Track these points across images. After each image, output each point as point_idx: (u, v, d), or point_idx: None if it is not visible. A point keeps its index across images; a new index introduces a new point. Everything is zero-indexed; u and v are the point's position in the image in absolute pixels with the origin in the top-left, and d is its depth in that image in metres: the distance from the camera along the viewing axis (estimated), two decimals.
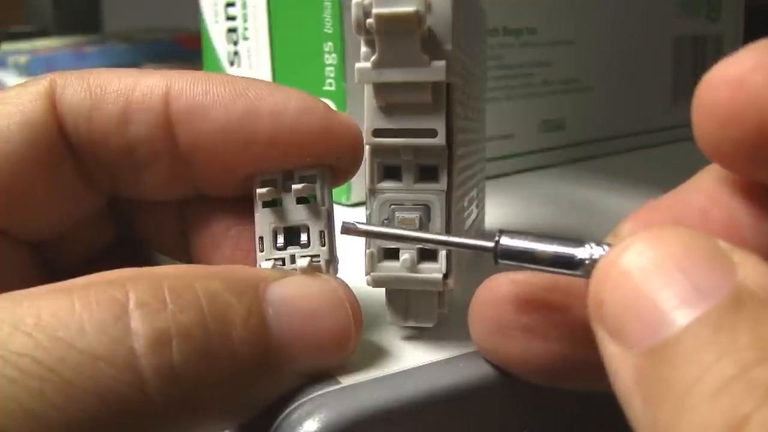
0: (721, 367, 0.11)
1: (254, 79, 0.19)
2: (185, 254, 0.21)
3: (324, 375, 0.17)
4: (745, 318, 0.11)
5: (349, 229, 0.18)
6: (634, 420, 0.12)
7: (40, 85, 0.19)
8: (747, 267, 0.12)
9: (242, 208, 0.20)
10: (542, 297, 0.16)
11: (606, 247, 0.14)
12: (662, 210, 0.16)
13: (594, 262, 0.14)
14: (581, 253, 0.14)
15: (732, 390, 0.10)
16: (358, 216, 0.18)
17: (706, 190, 0.15)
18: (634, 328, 0.12)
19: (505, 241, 0.15)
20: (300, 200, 0.19)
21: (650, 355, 0.12)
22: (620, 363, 0.12)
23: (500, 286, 0.17)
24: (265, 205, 0.19)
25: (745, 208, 0.15)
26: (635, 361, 0.12)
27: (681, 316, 0.11)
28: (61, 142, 0.19)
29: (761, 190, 0.15)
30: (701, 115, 0.14)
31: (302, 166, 0.19)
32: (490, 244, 0.16)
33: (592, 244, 0.14)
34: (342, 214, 0.20)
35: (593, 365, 0.15)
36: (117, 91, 0.19)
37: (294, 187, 0.18)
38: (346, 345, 0.17)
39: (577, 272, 0.14)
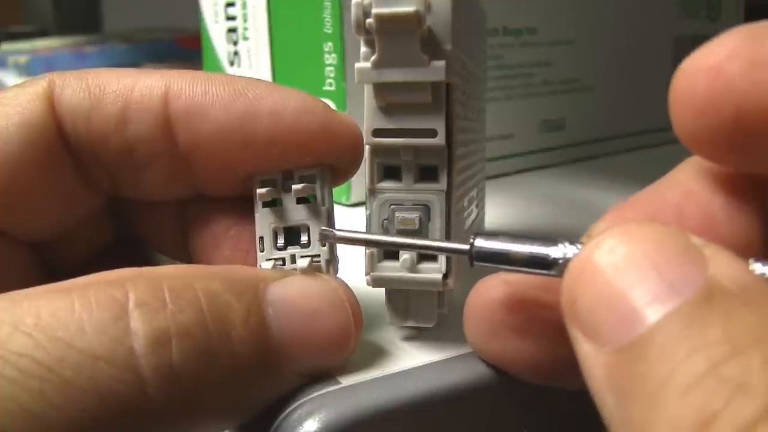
0: (692, 364, 0.11)
1: (253, 78, 0.19)
2: (185, 254, 0.21)
3: (324, 375, 0.17)
4: (716, 313, 0.11)
5: (326, 236, 0.18)
6: (609, 418, 0.12)
7: (39, 85, 0.19)
8: (718, 261, 0.12)
9: (242, 207, 0.20)
10: (535, 296, 0.16)
11: (580, 246, 0.14)
12: (638, 206, 0.16)
13: (567, 261, 0.14)
14: (555, 252, 0.14)
15: (702, 387, 0.10)
16: (358, 216, 0.18)
17: (682, 185, 0.15)
18: (607, 325, 0.12)
19: (479, 243, 0.15)
20: (300, 200, 0.19)
21: (623, 353, 0.12)
22: (594, 361, 0.12)
23: (493, 287, 0.17)
24: (265, 205, 0.19)
25: (720, 202, 0.15)
26: (608, 359, 0.12)
27: (653, 312, 0.11)
28: (60, 143, 0.19)
29: (736, 183, 0.15)
30: (678, 103, 0.14)
31: (302, 166, 0.19)
32: (465, 247, 0.16)
33: (566, 243, 0.14)
34: (342, 214, 0.20)
35: None
36: (116, 91, 0.19)
37: (294, 187, 0.18)
38: (346, 345, 0.17)
39: (552, 272, 0.15)
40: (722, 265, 0.12)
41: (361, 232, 0.18)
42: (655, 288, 0.12)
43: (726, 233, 0.14)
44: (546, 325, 0.16)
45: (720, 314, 0.11)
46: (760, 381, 0.10)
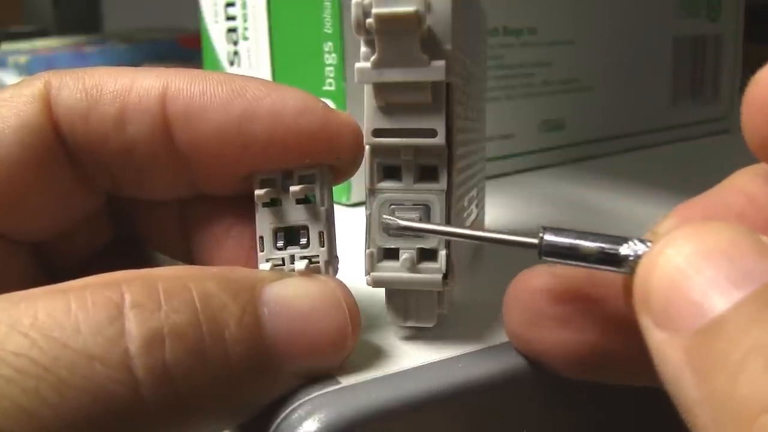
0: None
1: (252, 77, 0.19)
2: (187, 254, 0.21)
3: (324, 375, 0.17)
4: None
5: (389, 226, 0.18)
6: (686, 399, 0.12)
7: (35, 87, 0.18)
8: None
9: (243, 207, 0.20)
10: (578, 288, 0.17)
11: (649, 244, 0.14)
12: (699, 208, 0.16)
13: (638, 257, 0.14)
14: (625, 249, 0.15)
15: None
16: (358, 216, 0.18)
17: (744, 190, 0.15)
18: (682, 312, 0.12)
19: (549, 237, 0.16)
20: (300, 200, 0.19)
21: (701, 335, 0.12)
22: (668, 347, 0.12)
23: (538, 276, 0.17)
24: (265, 204, 0.19)
25: None
26: (684, 342, 0.12)
27: (730, 296, 0.12)
28: (57, 144, 0.18)
29: None
30: (749, 111, 0.14)
31: (302, 166, 0.19)
32: (535, 241, 0.16)
33: (635, 241, 0.15)
34: (342, 214, 0.20)
35: (626, 358, 0.15)
36: (113, 91, 0.18)
37: (292, 189, 0.18)
38: (343, 346, 0.17)
39: (621, 269, 0.15)
40: None
41: (422, 222, 0.18)
42: (731, 276, 0.12)
43: None
44: (591, 318, 0.16)
45: None
46: None
